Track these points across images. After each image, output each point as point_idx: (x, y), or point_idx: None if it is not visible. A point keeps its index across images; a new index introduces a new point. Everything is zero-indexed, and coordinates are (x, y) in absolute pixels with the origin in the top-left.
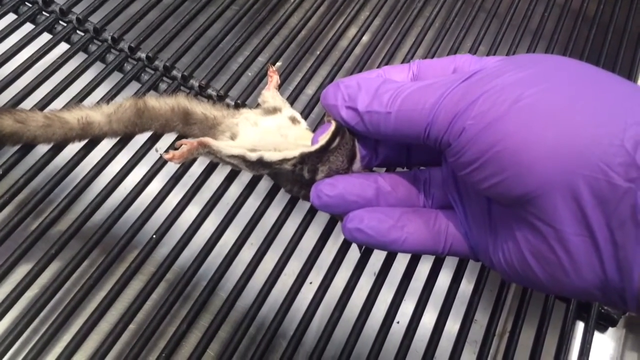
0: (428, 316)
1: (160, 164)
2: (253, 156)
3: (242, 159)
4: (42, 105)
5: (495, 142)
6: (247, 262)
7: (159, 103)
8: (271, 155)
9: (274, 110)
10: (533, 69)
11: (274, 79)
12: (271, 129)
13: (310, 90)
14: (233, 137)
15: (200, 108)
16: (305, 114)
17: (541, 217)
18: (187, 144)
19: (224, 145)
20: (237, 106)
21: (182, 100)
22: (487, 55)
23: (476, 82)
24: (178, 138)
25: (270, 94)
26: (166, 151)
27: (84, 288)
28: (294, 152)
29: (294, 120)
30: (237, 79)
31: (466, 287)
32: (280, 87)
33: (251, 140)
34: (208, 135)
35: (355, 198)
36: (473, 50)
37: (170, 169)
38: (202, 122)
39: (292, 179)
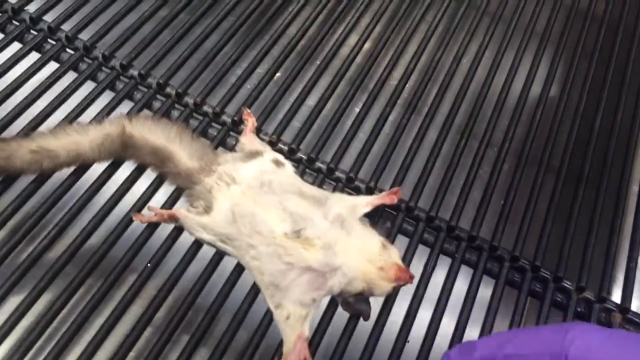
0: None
1: (157, 184)
2: (222, 248)
3: (213, 245)
4: (34, 125)
5: None
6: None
7: (144, 138)
8: (239, 258)
9: (255, 154)
10: None
11: (249, 122)
12: (252, 182)
13: (311, 101)
14: (207, 210)
15: (182, 155)
16: (307, 127)
17: None
18: (157, 214)
19: (196, 226)
20: (234, 123)
21: (167, 142)
22: (493, 61)
23: None
24: None
25: (247, 140)
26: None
27: (82, 314)
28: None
29: (277, 163)
30: (235, 93)
31: None
32: (280, 99)
33: (225, 218)
34: (184, 193)
35: None
36: (478, 58)
37: (168, 188)
38: (177, 176)
39: None
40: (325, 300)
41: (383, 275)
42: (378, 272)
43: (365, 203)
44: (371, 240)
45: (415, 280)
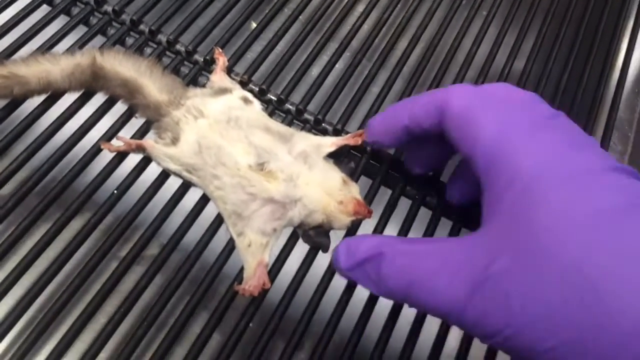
0: None
1: (127, 116)
2: (187, 178)
3: (179, 175)
4: (4, 56)
5: None
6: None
7: (115, 70)
8: (204, 188)
9: (225, 91)
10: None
11: (220, 61)
12: (219, 116)
13: (314, 71)
14: (174, 141)
15: (152, 88)
16: (311, 94)
17: None
18: (125, 144)
19: (162, 157)
20: (207, 63)
21: (137, 74)
22: (497, 37)
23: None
24: None
25: (217, 78)
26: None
27: (37, 246)
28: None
29: (246, 100)
30: (208, 34)
31: None
32: (283, 68)
33: (191, 149)
34: (152, 125)
35: None
36: (482, 32)
37: (134, 122)
38: (146, 108)
39: None
40: (287, 233)
41: (342, 209)
42: (337, 205)
43: (330, 143)
44: (332, 175)
45: (375, 219)
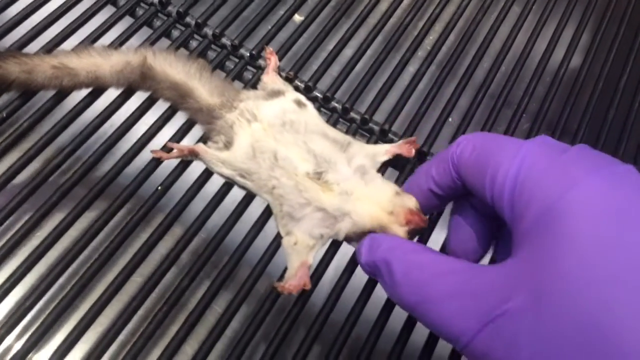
0: None
1: (170, 112)
2: (241, 182)
3: (232, 180)
4: (51, 46)
5: None
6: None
7: (164, 72)
8: (258, 192)
9: (278, 93)
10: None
11: (272, 61)
12: (274, 120)
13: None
14: (227, 145)
15: (202, 91)
16: (358, 92)
17: None
18: (177, 150)
19: (215, 161)
20: (252, 57)
21: (187, 78)
22: (535, 26)
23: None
24: None
25: (269, 79)
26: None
27: (84, 237)
28: (278, 216)
29: (299, 103)
30: (254, 28)
31: None
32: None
33: (245, 153)
34: (204, 127)
35: None
36: (520, 23)
37: (178, 119)
38: (198, 112)
39: None
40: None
41: (393, 220)
42: (388, 216)
43: (385, 151)
44: (385, 188)
45: None
